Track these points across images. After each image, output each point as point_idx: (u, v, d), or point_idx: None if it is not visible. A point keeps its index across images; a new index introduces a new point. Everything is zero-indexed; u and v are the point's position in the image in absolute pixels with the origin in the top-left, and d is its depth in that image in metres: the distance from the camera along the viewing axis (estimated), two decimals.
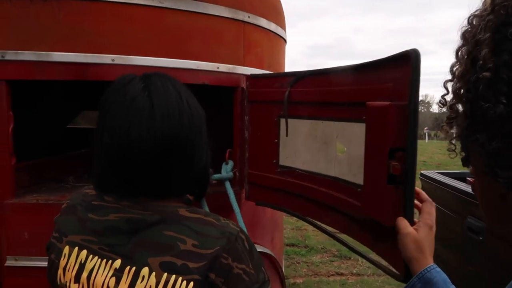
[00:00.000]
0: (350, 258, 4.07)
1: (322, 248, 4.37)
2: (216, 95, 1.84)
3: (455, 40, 0.48)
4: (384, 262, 0.99)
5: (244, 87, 1.61)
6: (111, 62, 1.34)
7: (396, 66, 0.93)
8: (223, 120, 1.70)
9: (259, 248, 1.60)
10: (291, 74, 1.42)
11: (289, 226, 5.13)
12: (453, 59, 0.49)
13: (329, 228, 1.27)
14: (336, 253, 4.25)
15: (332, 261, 4.05)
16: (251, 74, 1.60)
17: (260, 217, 1.79)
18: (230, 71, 1.57)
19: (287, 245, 4.45)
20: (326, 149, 1.24)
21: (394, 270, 0.92)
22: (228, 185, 1.48)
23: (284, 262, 4.07)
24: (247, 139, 1.61)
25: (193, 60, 1.49)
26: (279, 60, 1.96)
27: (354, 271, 3.78)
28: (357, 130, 1.07)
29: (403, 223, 0.81)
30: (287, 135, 1.41)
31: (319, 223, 1.32)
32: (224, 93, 1.68)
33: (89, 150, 2.34)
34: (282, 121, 1.44)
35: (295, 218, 5.92)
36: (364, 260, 4.46)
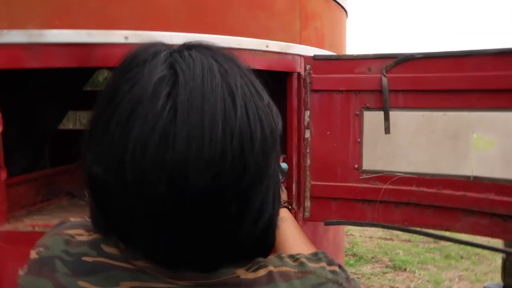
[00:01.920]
0: (405, 269, 3.49)
1: (372, 258, 3.78)
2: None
3: None
4: None
5: (302, 72, 1.19)
6: (124, 40, 0.99)
7: None
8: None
9: None
10: (383, 56, 1.11)
11: None
12: None
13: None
14: (389, 263, 3.65)
15: (385, 273, 3.47)
16: (314, 55, 1.19)
17: (322, 242, 1.43)
18: (283, 50, 1.17)
19: None
20: (454, 145, 1.04)
21: None
22: None
23: None
24: (309, 141, 1.20)
25: (233, 36, 1.09)
26: (340, 38, 1.52)
27: (412, 286, 3.23)
28: None
29: None
30: (387, 132, 1.11)
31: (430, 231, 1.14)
32: (276, 78, 1.28)
33: None
34: (368, 115, 1.13)
35: None
36: (423, 273, 3.87)
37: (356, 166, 1.17)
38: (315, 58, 1.19)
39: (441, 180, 1.06)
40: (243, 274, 0.42)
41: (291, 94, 1.20)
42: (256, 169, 0.37)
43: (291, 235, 0.83)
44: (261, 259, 0.44)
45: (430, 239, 3.99)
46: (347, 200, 1.19)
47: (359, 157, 1.16)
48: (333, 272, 0.45)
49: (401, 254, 3.84)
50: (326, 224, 1.22)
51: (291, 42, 1.19)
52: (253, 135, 0.37)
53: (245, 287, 0.40)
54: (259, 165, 0.38)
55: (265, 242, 0.45)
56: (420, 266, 3.58)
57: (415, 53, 1.07)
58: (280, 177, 1.17)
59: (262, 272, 0.42)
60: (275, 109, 0.42)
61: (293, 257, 0.46)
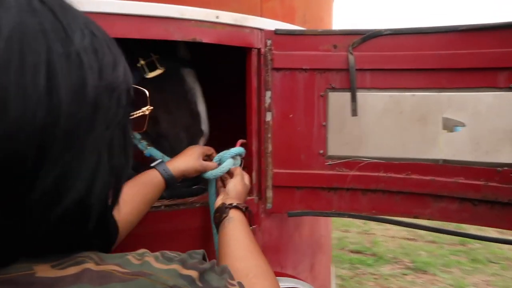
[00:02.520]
0: (426, 271, 3.30)
1: (393, 258, 3.59)
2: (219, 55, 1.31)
3: None
4: None
5: (262, 48, 1.06)
6: None
7: None
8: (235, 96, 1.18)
9: (288, 283, 1.11)
10: (350, 32, 1.02)
11: (355, 229, 4.31)
12: None
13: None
14: (410, 264, 3.45)
15: (405, 275, 3.27)
16: (276, 30, 1.06)
17: (291, 238, 1.31)
18: (238, 23, 1.02)
19: (351, 251, 3.78)
20: (422, 127, 0.99)
21: None
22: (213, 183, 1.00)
23: (348, 272, 3.42)
24: (270, 125, 1.09)
25: (174, 4, 0.93)
26: (320, 13, 1.38)
27: None
28: (490, 100, 0.90)
29: None
30: (354, 115, 1.03)
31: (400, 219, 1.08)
32: (234, 55, 1.14)
33: None
34: (334, 95, 1.03)
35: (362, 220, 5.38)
36: (446, 276, 3.36)
37: (321, 151, 1.09)
38: (277, 32, 1.07)
39: (409, 165, 1.01)
40: (44, 271, 0.35)
41: (250, 73, 1.07)
42: (39, 135, 0.31)
43: (234, 238, 0.73)
44: (85, 254, 0.37)
45: (456, 241, 3.80)
46: (312, 189, 1.11)
47: (324, 142, 1.08)
48: (184, 277, 0.39)
49: (423, 255, 3.62)
50: (290, 215, 1.13)
51: (249, 14, 1.05)
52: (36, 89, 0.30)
53: (40, 286, 0.34)
54: (44, 129, 0.31)
55: (80, 233, 0.37)
56: (444, 269, 3.37)
57: (383, 29, 0.99)
58: (239, 163, 1.06)
59: (72, 270, 0.35)
60: (89, 60, 0.35)
61: (140, 255, 0.41)
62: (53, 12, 0.34)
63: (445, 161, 0.98)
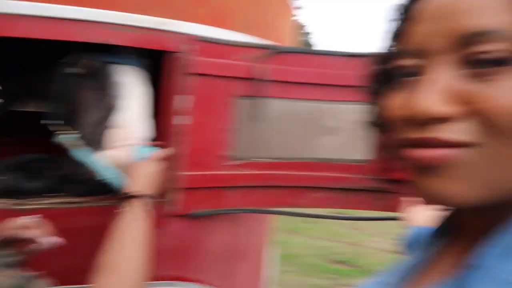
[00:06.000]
0: None
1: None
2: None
3: None
4: None
5: (180, 53, 1.13)
6: None
7: None
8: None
9: (182, 286, 1.15)
10: (258, 45, 1.19)
11: (346, 239, 4.24)
12: None
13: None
14: None
15: None
16: (194, 36, 1.14)
17: (202, 242, 1.28)
18: (157, 26, 1.09)
19: (334, 262, 3.68)
20: (307, 131, 1.23)
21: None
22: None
23: (325, 282, 3.38)
24: (183, 128, 1.15)
25: (89, 8, 1.00)
26: (270, 22, 1.43)
27: None
28: (352, 111, 1.18)
29: None
30: (258, 120, 1.19)
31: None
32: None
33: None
34: (240, 102, 1.19)
35: (352, 229, 5.00)
36: None
37: (228, 154, 1.19)
38: (200, 39, 1.14)
39: (296, 163, 1.22)
40: None
41: (166, 76, 1.13)
42: None
43: (123, 237, 0.77)
44: None
45: None
46: (218, 189, 1.19)
47: (230, 144, 1.18)
48: None
49: None
50: (193, 216, 1.18)
51: (174, 18, 1.12)
52: None
53: None
54: None
55: None
56: None
57: (283, 47, 1.21)
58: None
59: None
60: None
61: None
62: None
63: (322, 159, 1.22)
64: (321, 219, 5.12)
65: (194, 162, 1.17)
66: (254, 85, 1.15)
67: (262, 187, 1.21)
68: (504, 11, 0.30)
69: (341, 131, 1.19)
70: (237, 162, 1.19)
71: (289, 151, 1.22)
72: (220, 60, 1.15)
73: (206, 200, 1.18)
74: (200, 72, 1.14)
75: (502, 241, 0.31)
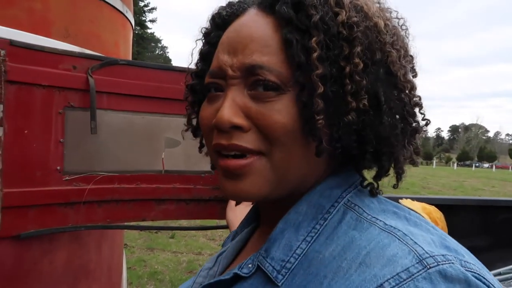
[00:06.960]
0: None
1: None
2: None
3: None
4: None
5: None
6: None
7: None
8: None
9: None
10: (89, 56, 1.13)
11: (215, 251, 3.82)
12: None
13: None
14: None
15: None
16: (11, 41, 1.03)
17: (36, 265, 1.15)
18: None
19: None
20: (150, 144, 1.20)
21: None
22: None
23: None
24: (1, 141, 1.03)
25: None
26: (98, 32, 1.35)
27: None
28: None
29: None
30: (94, 133, 1.10)
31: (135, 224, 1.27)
32: None
33: None
34: (72, 114, 1.10)
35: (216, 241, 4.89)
36: None
37: (58, 168, 1.10)
38: (12, 43, 1.04)
39: (139, 176, 1.18)
40: None
41: None
42: None
43: None
44: None
45: None
46: (48, 206, 1.09)
47: (61, 158, 1.10)
48: None
49: None
50: (23, 236, 1.06)
51: None
52: None
53: None
54: None
55: None
56: None
57: (119, 59, 1.15)
58: None
59: None
60: None
61: None
62: None
63: (166, 171, 1.20)
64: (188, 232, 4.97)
65: (17, 178, 1.04)
66: (84, 96, 1.09)
67: (103, 201, 1.15)
68: (274, 54, 0.40)
69: (183, 143, 1.18)
70: (72, 177, 1.11)
71: (129, 164, 1.17)
72: (39, 68, 1.06)
73: (34, 218, 1.07)
74: (13, 79, 1.05)
75: (285, 221, 0.42)
